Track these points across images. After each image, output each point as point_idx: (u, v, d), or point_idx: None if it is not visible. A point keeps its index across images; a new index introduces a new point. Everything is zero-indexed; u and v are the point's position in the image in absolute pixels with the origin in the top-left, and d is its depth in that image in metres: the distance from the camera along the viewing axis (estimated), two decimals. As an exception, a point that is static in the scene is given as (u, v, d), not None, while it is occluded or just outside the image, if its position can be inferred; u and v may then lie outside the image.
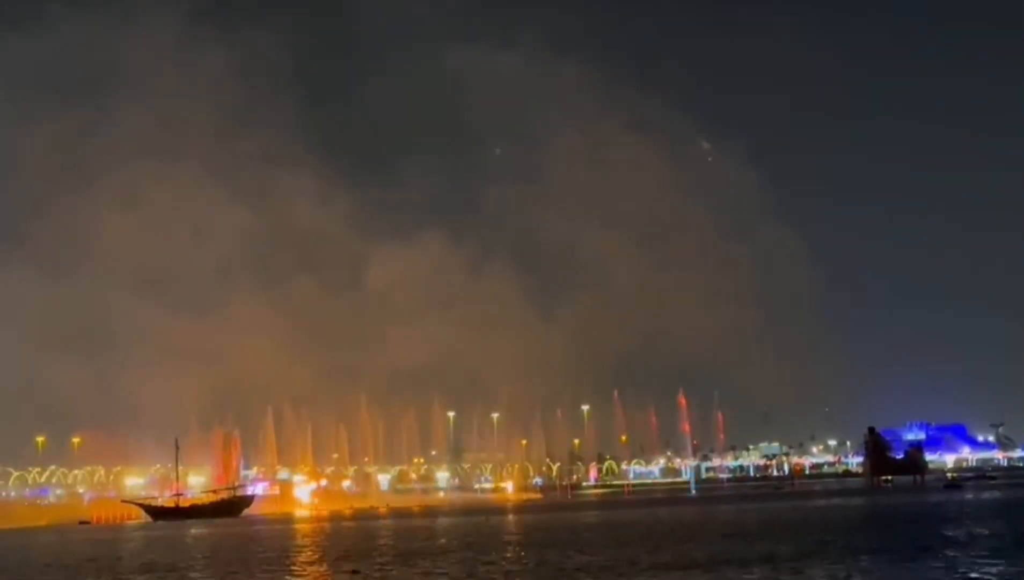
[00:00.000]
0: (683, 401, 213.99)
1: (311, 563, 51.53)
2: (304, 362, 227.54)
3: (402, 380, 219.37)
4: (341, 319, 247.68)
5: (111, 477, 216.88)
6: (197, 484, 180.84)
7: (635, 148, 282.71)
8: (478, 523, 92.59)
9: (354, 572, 44.66)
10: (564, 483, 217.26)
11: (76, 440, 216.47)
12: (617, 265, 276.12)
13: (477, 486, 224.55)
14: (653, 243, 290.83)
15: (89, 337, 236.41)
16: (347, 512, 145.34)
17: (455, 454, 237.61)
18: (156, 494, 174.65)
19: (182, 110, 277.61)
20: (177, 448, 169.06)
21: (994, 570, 35.16)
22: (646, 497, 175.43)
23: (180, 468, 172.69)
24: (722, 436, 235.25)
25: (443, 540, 67.86)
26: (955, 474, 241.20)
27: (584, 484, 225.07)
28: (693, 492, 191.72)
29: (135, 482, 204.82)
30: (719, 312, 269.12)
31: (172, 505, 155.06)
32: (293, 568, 48.64)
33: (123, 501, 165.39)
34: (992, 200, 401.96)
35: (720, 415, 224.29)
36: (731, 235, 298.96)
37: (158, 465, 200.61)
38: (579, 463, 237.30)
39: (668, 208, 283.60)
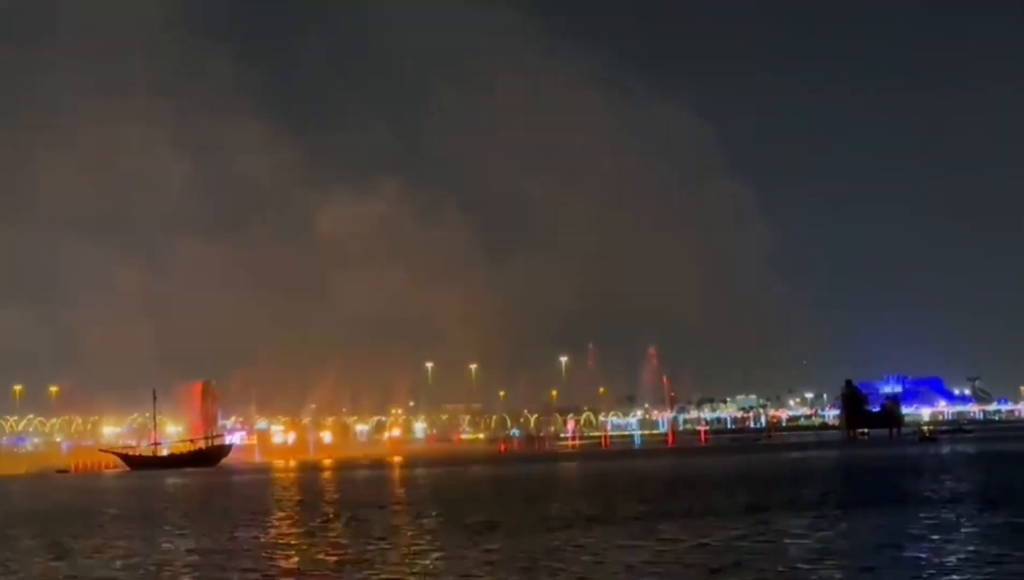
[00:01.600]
0: (654, 354, 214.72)
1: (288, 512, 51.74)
2: (258, 312, 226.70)
3: (355, 329, 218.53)
4: (292, 268, 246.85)
5: (88, 426, 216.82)
6: (175, 434, 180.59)
7: (583, 101, 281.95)
8: (457, 473, 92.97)
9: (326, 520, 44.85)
10: (541, 434, 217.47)
11: (54, 389, 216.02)
12: (568, 217, 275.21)
13: (456, 436, 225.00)
14: (605, 196, 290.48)
15: (38, 284, 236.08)
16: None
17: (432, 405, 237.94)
18: (134, 443, 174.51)
19: (123, 57, 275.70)
20: (155, 398, 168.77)
21: (964, 521, 35.44)
22: (623, 449, 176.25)
23: (158, 417, 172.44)
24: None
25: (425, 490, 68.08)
26: (930, 427, 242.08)
27: (562, 436, 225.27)
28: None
29: (113, 431, 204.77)
30: (672, 265, 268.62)
31: (150, 454, 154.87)
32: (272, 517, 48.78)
33: (101, 450, 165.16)
34: (965, 150, 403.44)
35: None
36: (684, 189, 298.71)
37: (135, 414, 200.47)
38: (556, 415, 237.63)
39: (618, 160, 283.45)
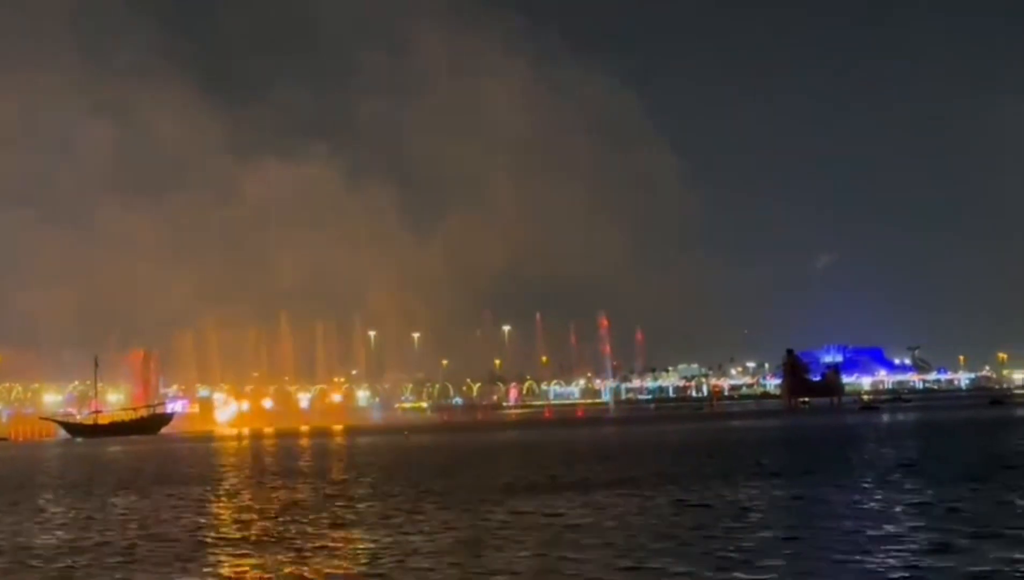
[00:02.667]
0: (606, 324, 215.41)
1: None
2: (187, 278, 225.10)
3: (285, 296, 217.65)
4: (219, 234, 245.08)
5: (29, 394, 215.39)
6: (116, 402, 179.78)
7: (507, 65, 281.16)
8: (398, 441, 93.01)
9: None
10: (484, 403, 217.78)
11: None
12: (494, 181, 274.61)
13: (397, 405, 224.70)
14: (529, 161, 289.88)
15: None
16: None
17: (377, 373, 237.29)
18: (74, 411, 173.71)
19: (47, 23, 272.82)
20: (96, 366, 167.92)
21: (902, 487, 35.73)
22: (566, 417, 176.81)
23: (99, 386, 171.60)
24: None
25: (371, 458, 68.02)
26: (870, 396, 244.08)
27: (504, 404, 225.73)
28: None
29: (53, 399, 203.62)
30: (600, 230, 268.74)
31: (91, 422, 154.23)
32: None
33: (41, 418, 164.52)
34: (895, 112, 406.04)
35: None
36: (609, 154, 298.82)
37: (76, 382, 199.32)
38: (499, 383, 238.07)
39: (543, 126, 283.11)
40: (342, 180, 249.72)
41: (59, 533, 31.77)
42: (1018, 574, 19.96)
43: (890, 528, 26.54)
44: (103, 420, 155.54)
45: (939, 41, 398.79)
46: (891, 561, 21.72)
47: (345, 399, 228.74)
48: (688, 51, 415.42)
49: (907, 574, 20.33)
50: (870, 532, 25.90)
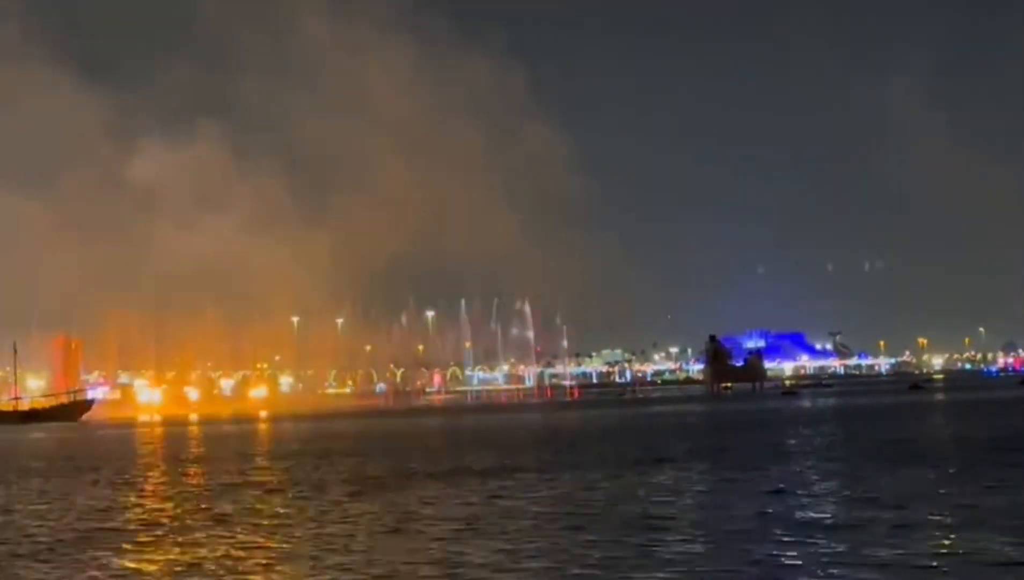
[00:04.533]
0: (527, 309, 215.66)
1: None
2: (82, 266, 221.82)
3: (173, 283, 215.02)
4: (105, 220, 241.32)
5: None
6: (36, 388, 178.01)
7: (391, 45, 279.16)
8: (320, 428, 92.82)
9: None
10: (409, 389, 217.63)
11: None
12: (380, 161, 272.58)
13: (320, 391, 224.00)
14: (417, 144, 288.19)
15: None
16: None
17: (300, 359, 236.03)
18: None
19: None
20: (15, 351, 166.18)
21: (821, 469, 36.07)
22: (488, 403, 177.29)
23: (18, 372, 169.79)
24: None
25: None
26: (792, 381, 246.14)
27: (428, 390, 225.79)
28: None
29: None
30: (491, 215, 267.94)
31: (10, 409, 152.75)
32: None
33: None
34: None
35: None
36: (497, 137, 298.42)
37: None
38: (423, 369, 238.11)
39: (429, 108, 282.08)
40: (227, 161, 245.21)
41: None
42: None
43: (814, 511, 26.81)
44: (23, 407, 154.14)
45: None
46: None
47: (269, 386, 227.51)
48: (578, 29, 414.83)
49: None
50: (798, 514, 26.16)
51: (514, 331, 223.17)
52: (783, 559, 20.58)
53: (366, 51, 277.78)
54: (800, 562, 20.15)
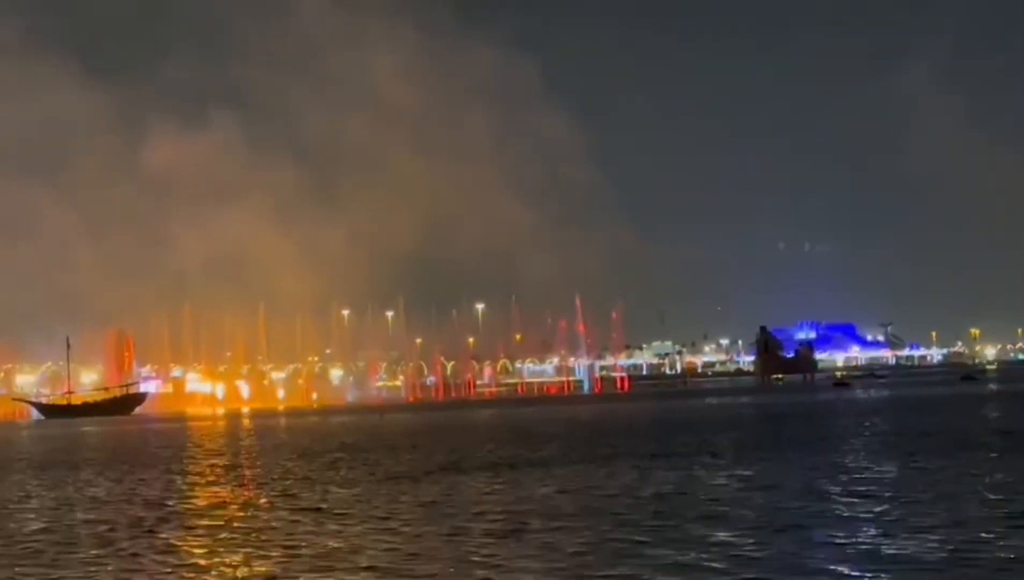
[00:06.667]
0: (578, 301, 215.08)
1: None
2: (107, 257, 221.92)
3: (193, 275, 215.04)
4: (126, 211, 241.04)
5: (1, 375, 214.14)
6: (89, 382, 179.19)
7: (398, 32, 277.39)
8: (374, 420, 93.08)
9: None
10: (458, 382, 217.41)
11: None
12: (394, 152, 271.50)
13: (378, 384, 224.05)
14: (428, 134, 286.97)
15: None
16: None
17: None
18: (47, 392, 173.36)
19: None
20: (68, 346, 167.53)
21: (876, 463, 35.83)
22: (540, 395, 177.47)
23: (72, 366, 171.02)
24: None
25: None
26: (844, 373, 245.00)
27: (479, 383, 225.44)
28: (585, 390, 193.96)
29: (26, 380, 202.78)
30: (507, 206, 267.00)
31: (64, 403, 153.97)
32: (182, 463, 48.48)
33: (13, 399, 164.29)
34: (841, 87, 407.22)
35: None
36: (510, 127, 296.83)
37: (49, 363, 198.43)
38: (474, 362, 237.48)
39: (439, 97, 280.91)
40: (241, 152, 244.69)
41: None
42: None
43: (870, 502, 26.65)
44: (76, 401, 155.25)
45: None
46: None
47: (320, 379, 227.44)
48: (588, 19, 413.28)
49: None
50: (854, 505, 26.02)
51: (563, 323, 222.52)
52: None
53: (372, 40, 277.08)
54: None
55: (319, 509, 29.28)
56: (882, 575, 17.98)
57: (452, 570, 19.77)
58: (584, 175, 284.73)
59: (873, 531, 22.15)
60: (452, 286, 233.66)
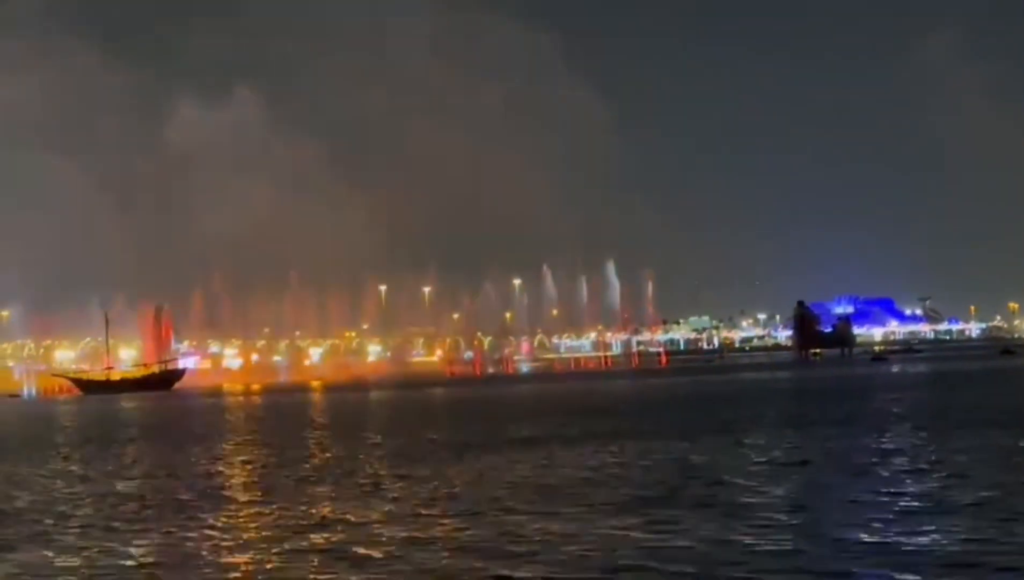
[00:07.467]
0: (614, 276, 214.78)
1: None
2: (128, 231, 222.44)
3: (219, 250, 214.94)
4: (149, 183, 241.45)
5: (41, 351, 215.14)
6: (128, 358, 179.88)
7: (417, 7, 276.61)
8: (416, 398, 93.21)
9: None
10: (497, 357, 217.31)
11: (4, 314, 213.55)
12: (412, 129, 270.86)
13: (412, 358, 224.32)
14: (445, 108, 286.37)
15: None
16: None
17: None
18: (87, 367, 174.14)
19: None
20: (107, 321, 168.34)
21: (913, 438, 35.68)
22: (578, 370, 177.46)
23: (111, 341, 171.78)
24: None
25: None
26: (882, 347, 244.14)
27: (517, 358, 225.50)
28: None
29: (65, 355, 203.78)
30: (528, 179, 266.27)
31: (103, 378, 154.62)
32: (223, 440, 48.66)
33: (53, 374, 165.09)
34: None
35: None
36: (531, 101, 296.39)
37: (88, 338, 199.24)
38: (510, 337, 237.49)
39: (454, 71, 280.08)
40: (264, 126, 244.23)
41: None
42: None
43: (909, 480, 26.51)
44: (115, 376, 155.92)
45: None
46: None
47: (357, 354, 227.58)
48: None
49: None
50: (893, 478, 25.92)
51: (600, 297, 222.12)
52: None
53: (392, 13, 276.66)
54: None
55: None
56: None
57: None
58: (606, 147, 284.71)
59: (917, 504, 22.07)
60: (477, 261, 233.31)
